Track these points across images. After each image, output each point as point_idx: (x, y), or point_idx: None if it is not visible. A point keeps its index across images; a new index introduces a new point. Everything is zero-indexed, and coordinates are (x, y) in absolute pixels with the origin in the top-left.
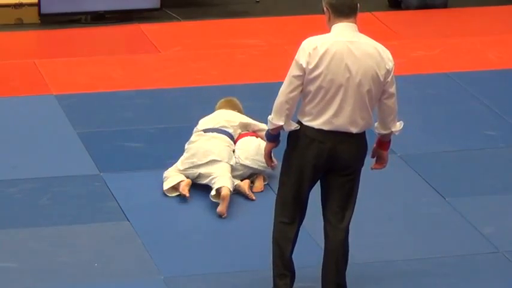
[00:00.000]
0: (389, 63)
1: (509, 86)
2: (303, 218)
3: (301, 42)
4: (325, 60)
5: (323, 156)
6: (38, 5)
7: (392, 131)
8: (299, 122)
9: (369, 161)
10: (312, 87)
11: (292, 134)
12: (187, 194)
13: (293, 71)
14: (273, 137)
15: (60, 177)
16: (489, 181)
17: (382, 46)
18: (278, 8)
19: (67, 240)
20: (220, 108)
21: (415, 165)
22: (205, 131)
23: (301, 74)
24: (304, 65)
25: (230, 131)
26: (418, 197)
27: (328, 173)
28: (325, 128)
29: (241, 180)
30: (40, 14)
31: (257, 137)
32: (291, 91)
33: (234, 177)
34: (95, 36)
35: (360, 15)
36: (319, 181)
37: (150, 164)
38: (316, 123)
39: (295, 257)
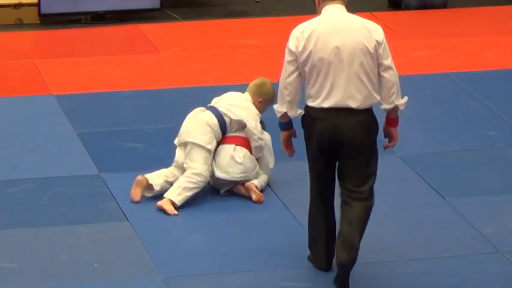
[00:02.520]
0: (379, 35)
1: (509, 86)
2: (332, 197)
3: None
4: (312, 40)
5: (326, 133)
6: (38, 5)
7: (396, 105)
8: (306, 106)
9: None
10: (306, 69)
11: (302, 118)
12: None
13: (286, 57)
14: (284, 125)
15: (60, 177)
16: (489, 181)
17: (372, 22)
18: (278, 8)
19: (67, 240)
20: (252, 91)
21: (415, 165)
22: (207, 107)
23: (292, 58)
24: (293, 49)
25: (227, 120)
26: (418, 197)
27: (339, 153)
28: (325, 105)
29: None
30: (40, 14)
31: (246, 146)
32: (287, 76)
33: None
34: (95, 36)
35: (359, 15)
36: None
37: (150, 164)
38: (317, 103)
39: (295, 257)
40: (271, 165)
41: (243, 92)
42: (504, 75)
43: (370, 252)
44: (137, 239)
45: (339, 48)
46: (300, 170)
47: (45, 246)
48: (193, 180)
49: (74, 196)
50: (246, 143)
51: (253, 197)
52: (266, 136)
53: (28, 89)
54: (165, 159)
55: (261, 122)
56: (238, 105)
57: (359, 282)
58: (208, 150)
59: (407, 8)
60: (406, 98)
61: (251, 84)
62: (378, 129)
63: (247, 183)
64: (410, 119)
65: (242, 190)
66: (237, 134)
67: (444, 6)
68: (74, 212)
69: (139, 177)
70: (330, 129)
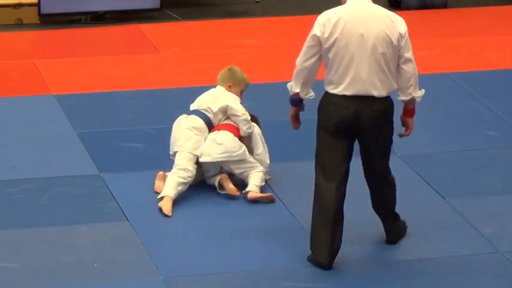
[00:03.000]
0: (402, 28)
1: (509, 86)
2: (345, 181)
3: (301, 43)
4: (338, 28)
5: (348, 121)
6: (38, 5)
7: (413, 97)
8: (326, 92)
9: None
10: (330, 55)
11: (320, 104)
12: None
13: (308, 41)
14: (294, 101)
15: (60, 177)
16: (489, 181)
17: (396, 14)
18: (278, 8)
19: (67, 240)
20: (220, 79)
21: (415, 165)
22: (191, 112)
23: (315, 43)
24: (318, 34)
25: (210, 116)
26: (418, 197)
27: (358, 137)
28: (347, 93)
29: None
30: (40, 14)
31: (230, 130)
32: (305, 60)
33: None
34: (95, 36)
35: None
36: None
37: (150, 164)
38: (339, 90)
39: (295, 257)
40: (267, 160)
41: None
42: (504, 75)
43: (370, 252)
44: (137, 239)
45: (363, 36)
46: (300, 170)
47: (45, 246)
48: (182, 175)
49: (74, 196)
50: (229, 127)
51: (265, 201)
52: (256, 128)
53: (28, 89)
54: (165, 159)
55: (255, 118)
56: (214, 98)
57: (359, 282)
58: (194, 155)
59: (407, 8)
60: (423, 91)
61: (219, 75)
62: (393, 113)
63: (251, 195)
64: None
65: (227, 185)
66: (222, 123)
67: (444, 6)
68: (74, 212)
69: (160, 173)
70: (352, 117)
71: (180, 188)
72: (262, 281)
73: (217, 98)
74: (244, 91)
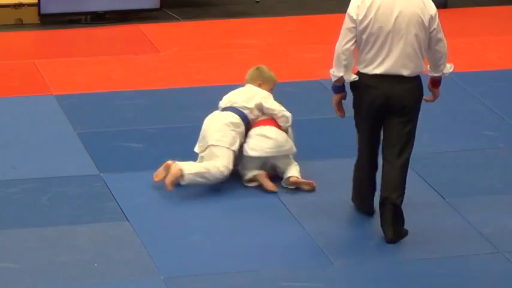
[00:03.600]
0: (433, 10)
1: (509, 86)
2: (376, 155)
3: (301, 42)
4: (373, 10)
5: (379, 100)
6: (38, 5)
7: (443, 73)
8: (357, 72)
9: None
10: (364, 36)
11: (352, 85)
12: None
13: (346, 24)
14: (338, 88)
15: (60, 177)
16: (489, 181)
17: None
18: (278, 8)
19: (67, 240)
20: (249, 79)
21: (415, 165)
22: (223, 109)
23: (353, 25)
24: (354, 17)
25: (246, 112)
26: (418, 197)
27: (387, 116)
28: (378, 72)
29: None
30: (40, 14)
31: (274, 125)
32: (346, 43)
33: (250, 169)
34: (95, 36)
35: None
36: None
37: (150, 164)
38: (370, 69)
39: (295, 257)
40: (294, 148)
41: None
42: (504, 75)
43: (371, 252)
44: (137, 239)
45: (398, 18)
46: (300, 170)
47: (45, 246)
48: (211, 172)
49: (74, 196)
50: (272, 121)
51: (306, 187)
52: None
53: (28, 89)
54: (165, 159)
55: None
56: (248, 96)
57: (359, 282)
58: (232, 151)
59: None
60: (452, 66)
61: (247, 75)
62: (423, 93)
63: (292, 179)
64: None
65: (265, 182)
66: (260, 118)
67: (444, 6)
68: (74, 212)
69: (169, 162)
70: (382, 97)
71: (199, 180)
72: (262, 281)
73: (252, 96)
74: (273, 89)
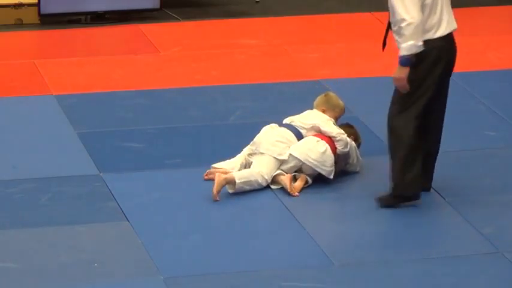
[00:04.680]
0: None
1: (509, 86)
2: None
3: (301, 42)
4: None
5: (449, 57)
6: (38, 5)
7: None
8: (425, 41)
9: None
10: (428, 1)
11: (426, 53)
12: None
13: None
14: (409, 61)
15: (60, 177)
16: (489, 181)
17: None
18: (278, 8)
19: (67, 240)
20: (315, 104)
21: None
22: (281, 125)
23: None
24: None
25: (302, 131)
26: None
27: (443, 80)
28: (447, 31)
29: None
30: (40, 14)
31: (330, 144)
32: (418, 12)
33: (282, 169)
34: (95, 36)
35: (360, 15)
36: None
37: (150, 164)
38: (441, 32)
39: (295, 257)
40: (332, 175)
41: (241, 95)
42: (504, 75)
43: (371, 252)
44: (137, 239)
45: None
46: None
47: (45, 246)
48: (258, 180)
49: (74, 196)
50: (331, 142)
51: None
52: (351, 143)
53: (28, 89)
54: (165, 159)
55: (354, 131)
56: (307, 117)
57: (359, 282)
58: (279, 160)
59: None
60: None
61: (315, 100)
62: None
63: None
64: None
65: (292, 186)
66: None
67: None
68: (74, 212)
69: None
70: (452, 53)
71: (246, 187)
72: (262, 281)
73: (311, 118)
74: (339, 117)
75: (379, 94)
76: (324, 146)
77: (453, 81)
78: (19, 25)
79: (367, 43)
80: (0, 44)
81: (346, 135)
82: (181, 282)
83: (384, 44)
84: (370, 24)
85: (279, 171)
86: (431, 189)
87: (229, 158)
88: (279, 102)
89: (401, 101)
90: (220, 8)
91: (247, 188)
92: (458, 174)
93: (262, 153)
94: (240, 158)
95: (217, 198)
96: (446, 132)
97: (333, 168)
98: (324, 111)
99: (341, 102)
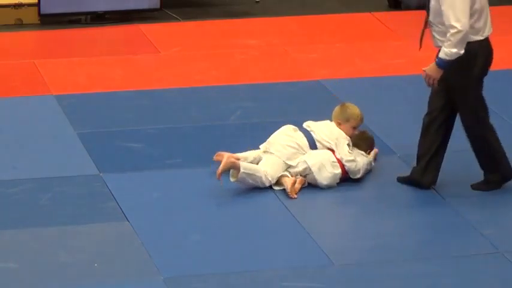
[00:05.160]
0: None
1: (509, 86)
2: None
3: (301, 42)
4: None
5: (490, 58)
6: (38, 5)
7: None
8: (473, 42)
9: None
10: (477, 6)
11: (469, 55)
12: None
13: (462, 2)
14: (447, 64)
15: (60, 177)
16: None
17: None
18: (278, 8)
19: (67, 240)
20: (332, 116)
21: None
22: (300, 127)
23: (468, 1)
24: None
25: (318, 145)
26: (418, 197)
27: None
28: (489, 33)
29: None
30: (40, 14)
31: (337, 161)
32: (468, 19)
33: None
34: (95, 37)
35: (359, 15)
36: None
37: (150, 164)
38: (486, 33)
39: (295, 257)
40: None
41: (241, 95)
42: (504, 75)
43: (371, 252)
44: (137, 239)
45: None
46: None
47: (45, 246)
48: (262, 178)
49: (74, 196)
50: (341, 165)
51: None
52: (364, 159)
53: (28, 89)
54: (165, 159)
55: (370, 140)
56: (325, 132)
57: (359, 282)
58: (286, 164)
59: (408, 8)
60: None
61: (335, 109)
62: None
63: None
64: (410, 119)
65: (293, 188)
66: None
67: None
68: (74, 212)
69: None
70: (491, 55)
71: (248, 180)
72: (262, 281)
73: (329, 133)
74: (358, 126)
75: (379, 94)
76: (338, 170)
77: None
78: (19, 25)
79: (367, 43)
80: (0, 44)
81: (356, 163)
82: (181, 282)
83: (421, 44)
84: (370, 24)
85: (284, 173)
86: (431, 189)
87: None
88: (279, 102)
89: (474, 109)
90: (220, 8)
91: (249, 181)
92: (458, 174)
93: (272, 154)
94: (254, 152)
95: (219, 178)
96: None
97: (333, 185)
98: (339, 124)
99: (356, 112)
